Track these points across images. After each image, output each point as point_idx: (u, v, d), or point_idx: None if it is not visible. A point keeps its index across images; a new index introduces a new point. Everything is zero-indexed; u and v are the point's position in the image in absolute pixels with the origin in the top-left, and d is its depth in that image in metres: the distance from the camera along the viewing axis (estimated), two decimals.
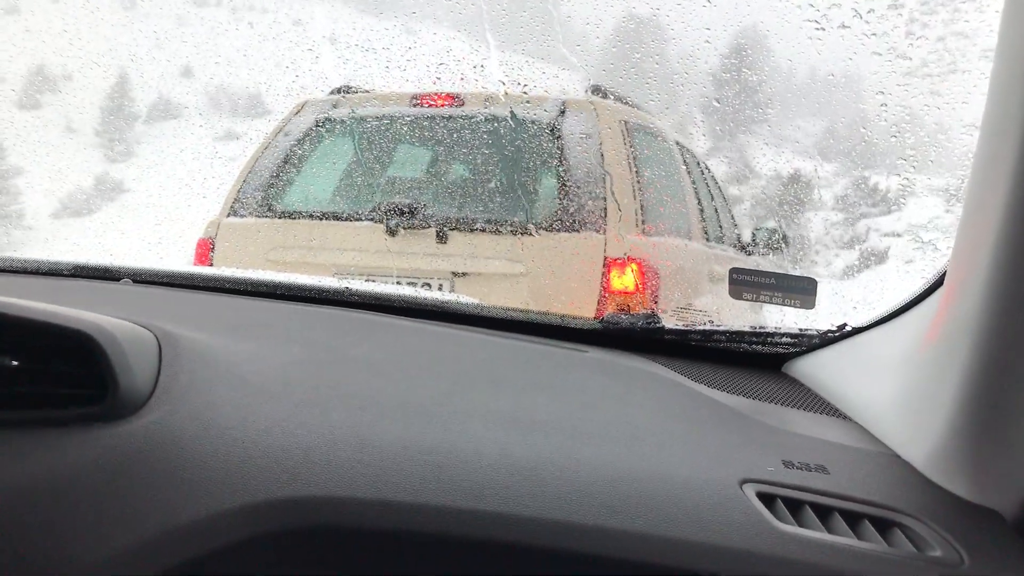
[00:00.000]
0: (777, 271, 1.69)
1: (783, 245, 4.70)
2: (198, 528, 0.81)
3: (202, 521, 0.81)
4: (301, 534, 0.83)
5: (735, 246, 5.00)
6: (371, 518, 0.84)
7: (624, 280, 3.15)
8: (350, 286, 1.63)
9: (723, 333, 1.57)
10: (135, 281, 1.63)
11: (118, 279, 1.64)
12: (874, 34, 2.76)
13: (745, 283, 1.65)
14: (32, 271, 1.69)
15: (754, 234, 4.84)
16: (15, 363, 0.92)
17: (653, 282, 3.23)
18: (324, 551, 0.83)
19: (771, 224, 5.00)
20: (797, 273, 1.73)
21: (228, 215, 3.80)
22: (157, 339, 1.03)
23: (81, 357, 0.90)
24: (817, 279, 1.59)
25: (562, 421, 1.07)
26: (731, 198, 6.16)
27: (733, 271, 1.68)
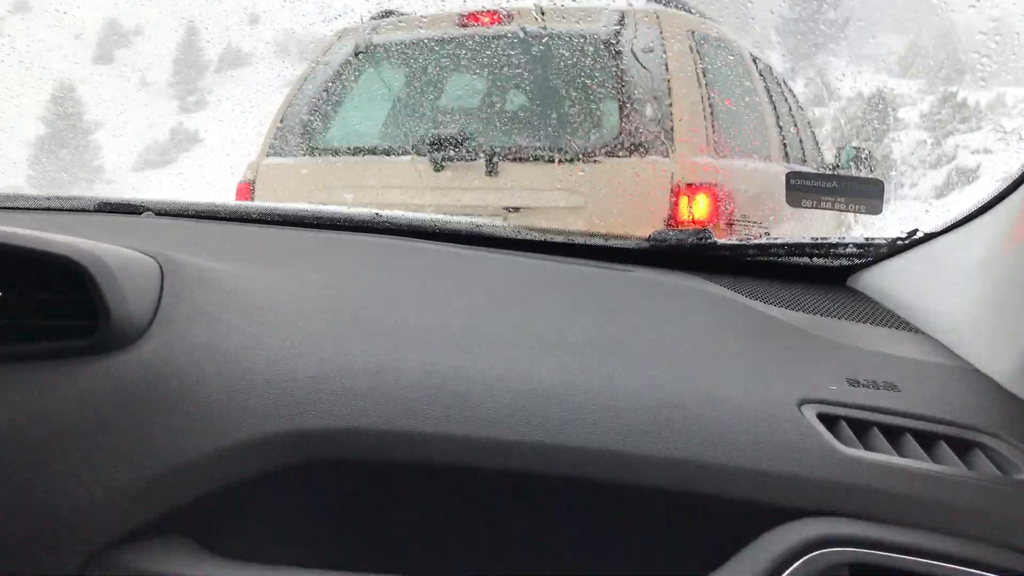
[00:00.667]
0: (840, 173, 1.47)
1: (871, 164, 4.42)
2: (202, 465, 0.77)
3: (207, 457, 0.78)
4: (314, 468, 0.79)
5: (818, 167, 4.68)
6: (388, 450, 0.80)
7: (696, 208, 2.93)
8: (380, 212, 1.57)
9: (781, 246, 1.46)
10: (157, 214, 1.60)
11: (140, 213, 1.61)
12: None
13: (804, 188, 1.55)
14: (57, 208, 1.67)
15: (838, 154, 4.55)
16: (0, 294, 0.89)
17: (728, 210, 3.01)
18: (339, 486, 0.80)
19: (856, 143, 4.72)
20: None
21: (268, 155, 3.66)
22: (160, 266, 0.97)
23: (73, 286, 0.86)
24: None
25: (599, 343, 1.00)
26: (812, 121, 5.83)
27: (790, 175, 1.56)
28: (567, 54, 3.32)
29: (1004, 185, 1.09)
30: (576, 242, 1.50)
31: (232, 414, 0.80)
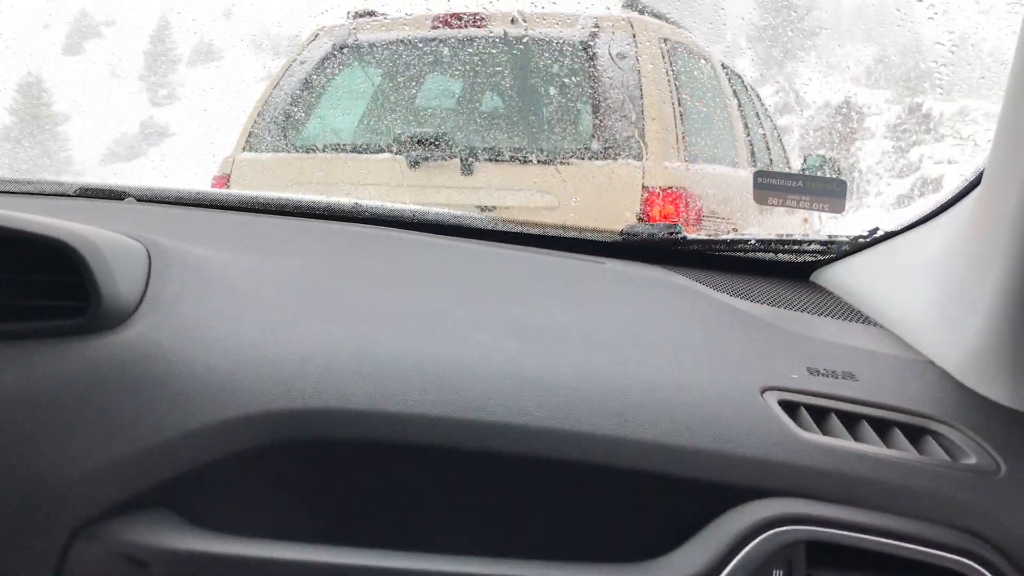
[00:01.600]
0: (805, 174, 1.54)
1: (836, 172, 4.49)
2: (188, 441, 0.79)
3: (192, 434, 0.79)
4: (296, 447, 0.81)
5: None
6: (369, 430, 0.82)
7: (665, 212, 2.97)
8: (360, 202, 1.58)
9: (747, 242, 1.50)
10: (139, 200, 1.61)
11: (122, 199, 1.61)
12: None
13: (770, 187, 1.59)
14: (37, 192, 1.68)
15: (805, 161, 4.61)
16: None
17: (696, 214, 3.06)
18: (321, 464, 0.81)
19: (822, 151, 4.80)
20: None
21: (243, 150, 3.65)
22: (147, 250, 0.99)
23: (64, 268, 0.87)
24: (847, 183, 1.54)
25: (573, 330, 1.02)
26: (780, 128, 5.91)
27: (757, 174, 1.61)
28: (543, 58, 3.35)
29: (960, 187, 1.12)
30: (551, 234, 1.52)
31: (218, 393, 0.82)
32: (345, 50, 3.73)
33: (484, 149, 3.21)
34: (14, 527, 0.76)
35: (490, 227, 1.55)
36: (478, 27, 3.46)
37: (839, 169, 4.73)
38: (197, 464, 0.78)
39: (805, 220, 4.43)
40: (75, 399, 0.80)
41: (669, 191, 2.97)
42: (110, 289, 0.88)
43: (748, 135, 4.12)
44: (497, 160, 3.17)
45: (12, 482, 0.76)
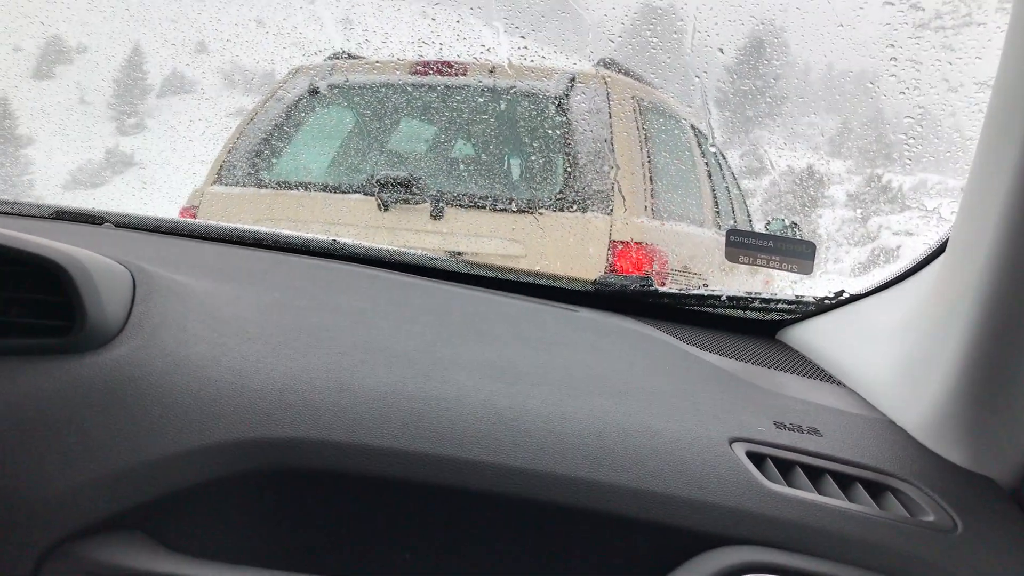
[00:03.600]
0: (776, 235, 1.59)
1: (798, 236, 4.57)
2: (166, 465, 0.79)
3: (170, 458, 0.79)
4: (273, 475, 0.81)
5: None
6: (346, 462, 0.83)
7: (630, 265, 3.01)
8: (338, 239, 1.60)
9: (717, 298, 1.54)
10: (117, 226, 1.62)
11: (99, 223, 1.63)
12: None
13: (742, 245, 1.63)
14: (14, 213, 1.68)
15: (768, 224, 4.68)
16: None
17: (661, 269, 3.10)
18: (297, 494, 0.82)
19: (786, 217, 4.89)
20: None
21: (213, 183, 3.63)
22: (131, 274, 1.00)
23: (50, 287, 0.88)
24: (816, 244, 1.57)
25: (548, 374, 1.05)
26: (744, 191, 6.02)
27: (730, 232, 1.65)
28: (518, 109, 3.40)
29: (923, 255, 1.17)
30: (526, 281, 1.55)
31: (198, 419, 0.82)
32: (322, 90, 3.75)
33: (455, 195, 3.23)
34: None
35: (466, 271, 1.56)
36: (457, 75, 3.50)
37: (802, 232, 4.81)
38: (174, 488, 0.79)
39: (767, 281, 4.49)
40: (56, 418, 0.80)
41: (636, 245, 3.00)
42: (96, 310, 0.88)
43: (715, 195, 4.18)
44: (467, 207, 3.19)
45: None
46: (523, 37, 3.67)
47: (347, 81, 3.76)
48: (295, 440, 0.83)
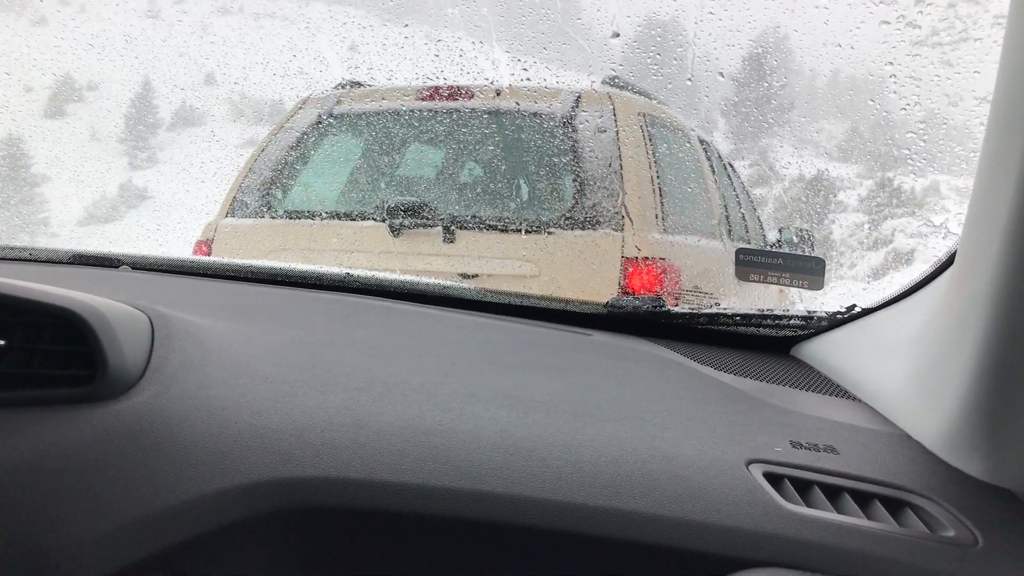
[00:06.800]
0: (785, 251, 1.60)
1: (811, 244, 4.56)
2: (190, 509, 0.80)
3: (193, 502, 0.80)
4: (295, 515, 0.82)
5: (761, 246, 4.81)
6: (367, 499, 0.84)
7: (643, 281, 3.00)
8: (351, 272, 1.62)
9: (730, 316, 1.54)
10: (134, 268, 1.65)
11: (116, 266, 1.65)
12: (882, 1, 2.62)
13: (752, 263, 1.65)
14: (31, 259, 1.70)
15: (780, 233, 4.68)
16: (2, 343, 0.91)
17: (674, 283, 3.10)
18: (319, 532, 0.83)
19: (798, 224, 4.87)
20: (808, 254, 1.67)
21: (226, 216, 3.66)
22: (150, 320, 1.02)
23: (71, 337, 0.90)
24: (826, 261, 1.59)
25: (564, 402, 1.06)
26: (755, 200, 6.02)
27: (740, 251, 1.66)
28: (525, 131, 3.41)
29: (933, 267, 1.17)
30: (538, 306, 1.56)
31: (221, 462, 0.84)
32: (331, 119, 3.78)
33: (466, 218, 3.24)
34: None
35: (478, 298, 1.58)
36: (463, 100, 3.52)
37: (813, 241, 4.80)
38: (200, 531, 0.79)
39: (781, 291, 4.48)
40: (81, 467, 0.81)
41: (649, 261, 3.01)
42: (117, 358, 0.90)
43: (725, 207, 4.18)
44: (479, 229, 3.20)
45: (18, 548, 0.76)
46: (525, 70, 3.71)
47: (355, 109, 3.79)
48: (315, 479, 0.84)
